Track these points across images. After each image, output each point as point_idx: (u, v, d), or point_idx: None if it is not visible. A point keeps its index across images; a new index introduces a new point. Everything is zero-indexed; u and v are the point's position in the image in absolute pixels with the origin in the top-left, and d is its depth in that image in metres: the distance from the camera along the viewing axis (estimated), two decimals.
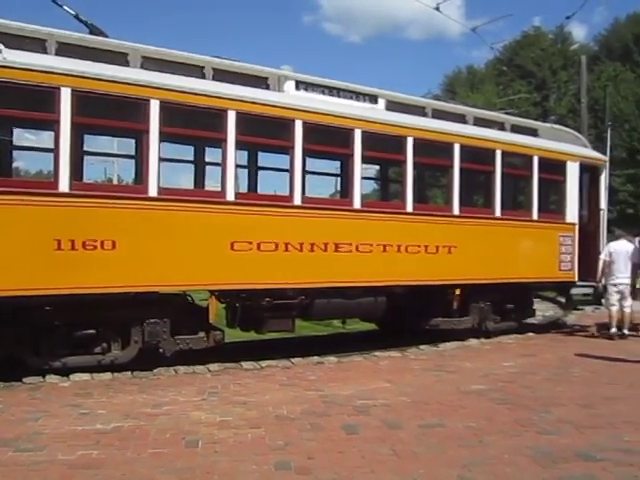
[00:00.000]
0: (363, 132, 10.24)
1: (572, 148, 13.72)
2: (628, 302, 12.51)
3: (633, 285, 12.69)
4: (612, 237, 13.23)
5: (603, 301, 12.98)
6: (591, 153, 14.50)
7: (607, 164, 15.10)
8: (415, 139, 10.86)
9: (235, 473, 4.66)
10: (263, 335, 10.51)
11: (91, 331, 8.40)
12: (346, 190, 10.90)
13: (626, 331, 12.45)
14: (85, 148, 10.56)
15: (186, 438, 5.46)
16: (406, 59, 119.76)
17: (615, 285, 12.45)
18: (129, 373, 8.30)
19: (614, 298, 12.47)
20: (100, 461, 4.87)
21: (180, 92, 8.62)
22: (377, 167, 14.99)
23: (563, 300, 14.76)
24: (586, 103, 25.76)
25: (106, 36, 9.04)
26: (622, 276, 12.44)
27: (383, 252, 10.45)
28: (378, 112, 10.80)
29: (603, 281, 12.74)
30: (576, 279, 13.40)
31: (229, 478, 4.56)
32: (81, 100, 7.97)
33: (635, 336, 12.57)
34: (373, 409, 6.63)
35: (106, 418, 6.08)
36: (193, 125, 9.35)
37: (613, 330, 12.46)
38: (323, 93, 10.44)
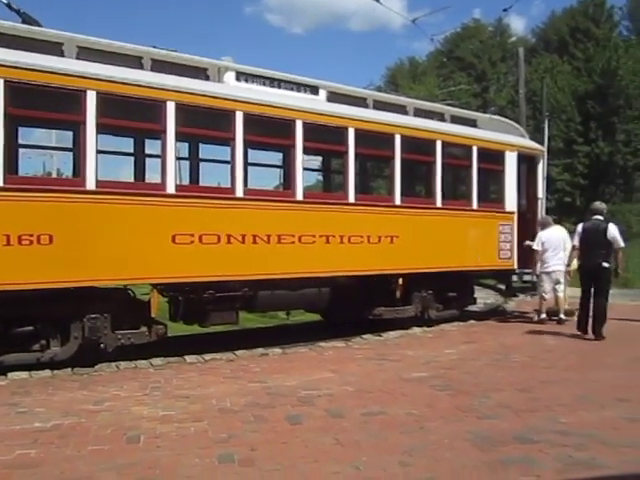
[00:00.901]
0: (304, 123, 10.24)
1: (510, 138, 14.00)
2: (561, 287, 12.84)
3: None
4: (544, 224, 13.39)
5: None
6: (529, 143, 14.82)
7: (545, 154, 15.50)
8: (356, 130, 10.91)
9: (177, 467, 4.62)
10: (207, 328, 10.45)
11: (29, 328, 8.18)
12: (288, 182, 10.90)
13: (562, 316, 12.80)
14: (20, 141, 10.30)
15: (127, 434, 5.39)
16: (348, 51, 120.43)
17: (548, 273, 12.78)
18: (69, 370, 8.13)
19: (547, 285, 12.82)
20: (39, 460, 4.77)
21: (117, 83, 8.46)
22: (319, 158, 15.02)
23: (503, 287, 15.07)
24: (524, 94, 26.21)
25: (40, 25, 8.82)
26: (553, 263, 12.75)
27: (326, 243, 10.49)
28: (319, 103, 10.82)
29: (537, 269, 13.04)
30: (515, 267, 13.71)
31: (171, 472, 4.53)
32: (14, 91, 7.75)
33: (571, 320, 12.95)
34: (317, 399, 6.66)
35: (45, 416, 5.95)
36: (132, 117, 9.20)
37: (543, 316, 12.87)
38: (264, 84, 10.40)
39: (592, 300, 10.94)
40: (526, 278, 14.09)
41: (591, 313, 10.96)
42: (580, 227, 11.38)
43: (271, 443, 5.17)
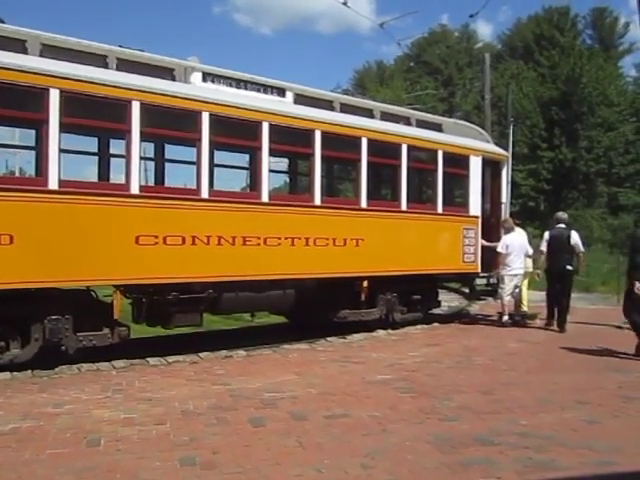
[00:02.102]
0: (271, 125, 10.22)
1: (475, 143, 14.14)
2: (522, 289, 13.52)
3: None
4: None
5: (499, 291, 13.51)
6: (493, 148, 14.99)
7: (509, 159, 15.68)
8: (323, 133, 10.92)
9: (138, 470, 4.58)
10: (170, 330, 10.36)
11: None
12: (254, 183, 10.88)
13: (518, 318, 13.23)
14: None
15: (88, 437, 5.32)
16: (316, 52, 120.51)
17: (511, 276, 13.05)
18: (29, 372, 7.98)
19: (508, 288, 13.07)
20: None
21: (81, 81, 8.35)
22: (285, 160, 15.01)
23: (467, 291, 15.21)
24: (490, 100, 26.51)
25: (2, 21, 8.67)
26: (516, 266, 13.07)
27: (291, 245, 10.48)
28: (286, 105, 10.82)
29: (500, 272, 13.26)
30: (479, 270, 13.85)
31: (132, 476, 4.48)
32: None
33: (532, 323, 13.21)
34: (280, 401, 6.65)
35: (3, 419, 5.84)
36: (96, 116, 9.06)
37: (505, 317, 13.10)
38: (230, 85, 10.35)
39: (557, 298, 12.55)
40: (491, 281, 14.24)
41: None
42: (547, 234, 12.88)
43: (233, 446, 5.15)
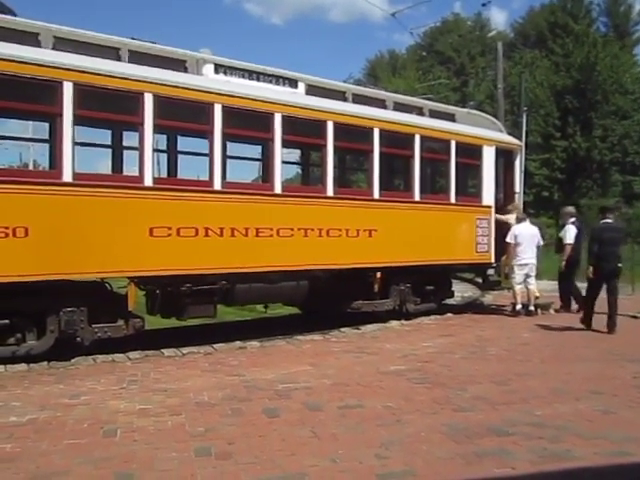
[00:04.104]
0: (283, 116, 10.22)
1: (488, 133, 14.08)
2: (532, 280, 13.22)
3: None
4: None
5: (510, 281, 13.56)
6: (506, 138, 14.91)
7: (522, 148, 15.58)
8: (335, 123, 10.91)
9: (154, 461, 4.62)
10: (184, 321, 10.41)
11: (5, 321, 8.09)
12: (267, 175, 10.88)
13: (532, 307, 13.12)
14: None
15: (104, 428, 5.37)
16: (328, 42, 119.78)
17: (521, 266, 13.02)
18: (45, 363, 8.07)
19: (519, 278, 13.06)
20: (14, 454, 4.74)
21: (94, 74, 8.38)
22: (298, 151, 15.00)
23: (480, 281, 15.18)
24: (503, 89, 26.36)
25: (15, 15, 8.70)
26: (527, 256, 13.06)
27: (304, 237, 10.49)
28: (298, 96, 10.81)
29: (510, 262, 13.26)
30: (492, 261, 13.82)
31: (148, 466, 4.52)
32: None
33: (546, 314, 13.18)
34: (294, 392, 6.68)
35: (21, 410, 5.91)
36: (109, 108, 9.11)
37: (518, 307, 13.13)
38: (243, 77, 10.36)
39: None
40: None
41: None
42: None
43: (248, 436, 5.18)
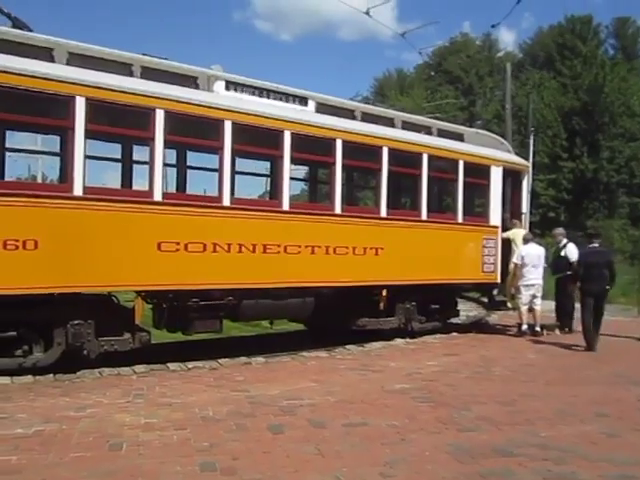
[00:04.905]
0: (293, 134, 10.30)
1: (496, 153, 14.13)
2: (539, 301, 13.26)
3: None
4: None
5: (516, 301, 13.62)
6: (514, 158, 14.96)
7: (530, 169, 15.63)
8: (344, 142, 10.98)
9: (159, 475, 4.64)
10: (190, 336, 10.44)
11: (12, 333, 8.14)
12: (275, 191, 10.95)
13: (538, 328, 13.12)
14: (7, 145, 10.29)
15: (110, 441, 5.39)
16: (337, 59, 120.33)
17: (527, 286, 13.03)
18: (51, 376, 8.10)
19: (526, 299, 13.06)
20: (20, 466, 4.77)
21: (107, 89, 8.48)
22: (306, 169, 15.09)
23: (486, 300, 15.17)
24: (511, 109, 26.44)
25: (30, 30, 8.82)
26: (534, 277, 13.09)
27: (311, 254, 10.53)
28: (308, 114, 10.88)
29: (517, 283, 13.28)
30: (498, 280, 13.82)
31: None
32: (1, 96, 7.76)
33: (551, 335, 13.17)
34: (299, 409, 6.69)
35: (27, 422, 5.94)
36: (120, 123, 9.23)
37: (524, 327, 13.12)
38: (253, 94, 10.44)
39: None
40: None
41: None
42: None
43: (253, 452, 5.20)
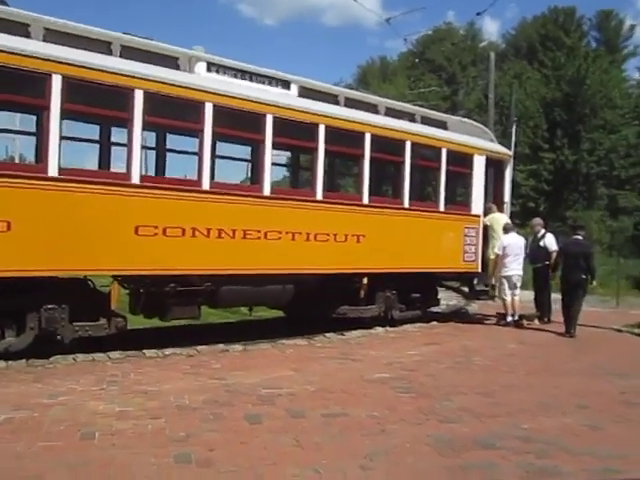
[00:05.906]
0: (275, 118, 10.11)
1: (479, 142, 14.04)
2: (518, 291, 13.25)
3: None
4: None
5: (496, 292, 13.61)
6: (497, 147, 14.89)
7: (512, 159, 15.56)
8: (327, 127, 10.82)
9: (132, 467, 4.49)
10: (168, 322, 10.27)
11: None
12: (256, 176, 10.78)
13: (516, 317, 13.15)
14: None
15: (82, 430, 5.22)
16: (321, 45, 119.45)
17: (508, 277, 13.03)
18: (24, 361, 7.89)
19: (507, 289, 13.03)
20: None
21: (84, 68, 8.24)
22: (288, 154, 14.89)
23: (466, 290, 15.13)
24: (493, 99, 26.38)
25: (6, 4, 8.55)
26: (514, 267, 13.07)
27: (292, 240, 10.38)
28: (290, 98, 10.70)
29: (498, 273, 13.24)
30: (479, 270, 13.78)
31: (126, 472, 4.39)
32: None
33: (532, 324, 13.18)
34: (277, 398, 6.56)
35: None
36: (98, 103, 8.95)
37: (509, 319, 13.11)
38: (235, 76, 10.24)
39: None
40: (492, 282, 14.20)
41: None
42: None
43: (230, 443, 5.06)
